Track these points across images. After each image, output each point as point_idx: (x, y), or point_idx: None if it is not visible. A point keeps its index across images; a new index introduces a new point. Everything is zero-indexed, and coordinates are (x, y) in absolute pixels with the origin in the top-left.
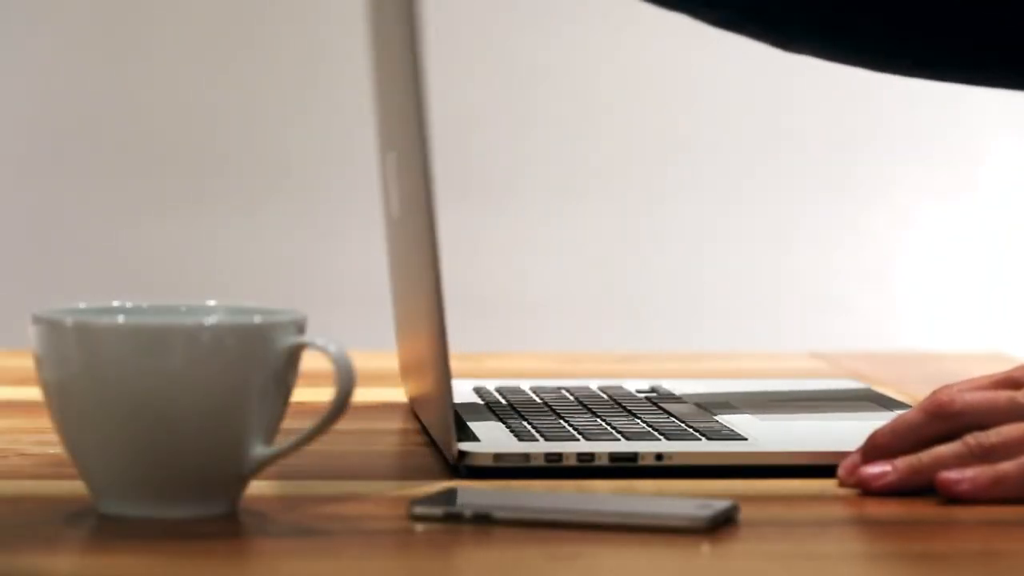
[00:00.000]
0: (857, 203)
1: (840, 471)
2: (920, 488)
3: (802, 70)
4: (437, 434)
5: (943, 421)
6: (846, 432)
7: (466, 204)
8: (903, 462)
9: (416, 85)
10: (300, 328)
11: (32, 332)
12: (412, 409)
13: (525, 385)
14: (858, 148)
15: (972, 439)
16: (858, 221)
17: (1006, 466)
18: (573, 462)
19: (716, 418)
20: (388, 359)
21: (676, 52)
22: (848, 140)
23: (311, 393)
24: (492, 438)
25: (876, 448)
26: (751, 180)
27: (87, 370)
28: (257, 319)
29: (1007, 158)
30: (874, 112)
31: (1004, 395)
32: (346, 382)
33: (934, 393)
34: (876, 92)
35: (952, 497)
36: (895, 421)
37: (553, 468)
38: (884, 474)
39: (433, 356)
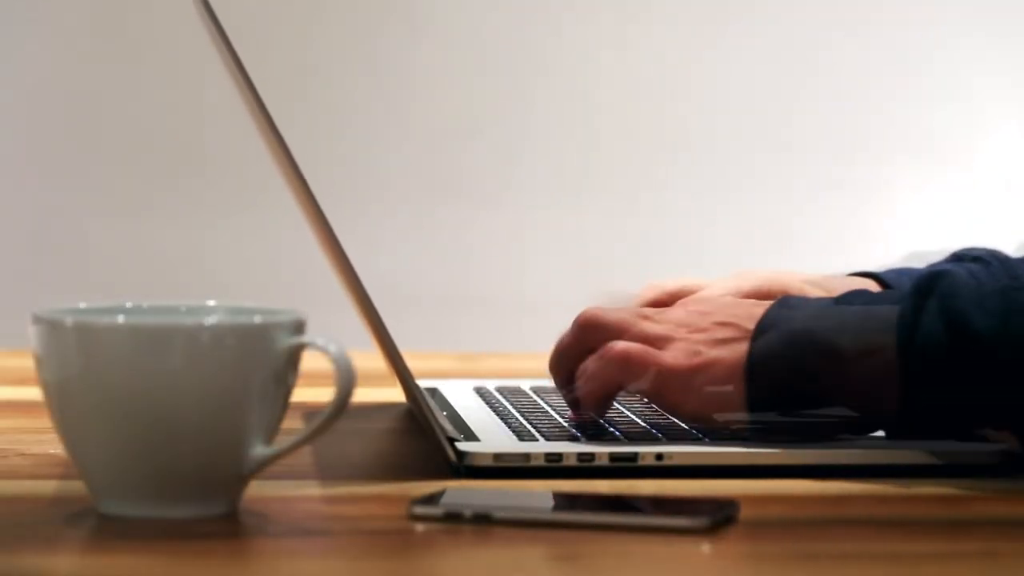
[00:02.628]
0: (856, 202)
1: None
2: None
3: (800, 69)
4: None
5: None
6: (844, 432)
7: (466, 204)
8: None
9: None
10: (300, 328)
11: (32, 332)
12: (411, 409)
13: (525, 385)
14: (857, 148)
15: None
16: (857, 220)
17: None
18: (573, 462)
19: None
20: None
21: (674, 51)
22: (847, 140)
23: (311, 393)
24: (492, 438)
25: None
26: (750, 178)
27: (87, 370)
28: (257, 319)
29: (1007, 158)
30: (874, 112)
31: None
32: (346, 382)
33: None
34: (875, 92)
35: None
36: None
37: (553, 468)
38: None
39: (390, 356)
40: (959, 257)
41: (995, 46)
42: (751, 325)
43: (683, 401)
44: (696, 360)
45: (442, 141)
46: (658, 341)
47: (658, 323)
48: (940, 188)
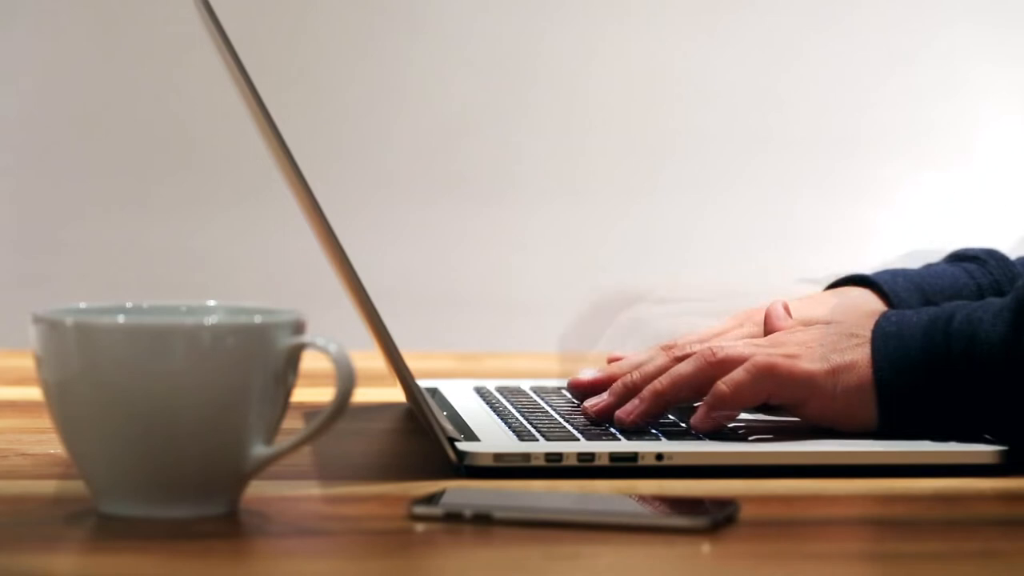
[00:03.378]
0: (854, 199)
1: (588, 407)
2: (664, 409)
3: (797, 67)
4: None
5: (684, 358)
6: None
7: (465, 203)
8: (647, 390)
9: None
10: (300, 328)
11: (32, 332)
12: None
13: (525, 385)
14: (856, 145)
15: (708, 351)
16: (856, 218)
17: (721, 387)
18: (573, 462)
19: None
20: None
21: (670, 49)
22: (845, 137)
23: (311, 393)
24: (492, 438)
25: (628, 390)
26: (747, 177)
27: (87, 370)
28: (257, 319)
29: (1005, 154)
30: (871, 109)
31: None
32: (346, 382)
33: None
34: (872, 89)
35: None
36: (645, 366)
37: (553, 468)
38: (635, 407)
39: (390, 356)
40: (957, 257)
41: (992, 41)
42: (867, 332)
43: (828, 405)
44: (836, 363)
45: (443, 140)
46: (789, 356)
47: (778, 345)
48: (938, 185)
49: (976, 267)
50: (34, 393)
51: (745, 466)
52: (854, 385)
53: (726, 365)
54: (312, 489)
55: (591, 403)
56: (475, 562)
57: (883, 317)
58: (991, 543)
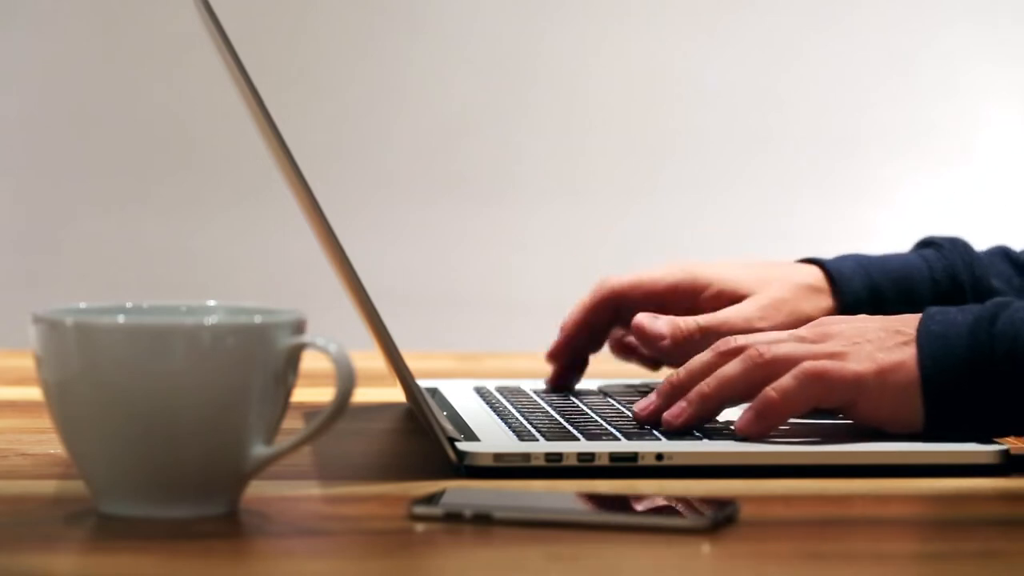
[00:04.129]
0: (854, 198)
1: (638, 412)
2: (713, 414)
3: (797, 68)
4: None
5: (729, 355)
6: (845, 431)
7: (465, 203)
8: (694, 392)
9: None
10: (300, 328)
11: (32, 332)
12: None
13: (525, 385)
14: (855, 144)
15: (755, 352)
16: (855, 216)
17: (770, 391)
18: (573, 462)
19: (716, 417)
20: None
21: (669, 49)
22: (844, 136)
23: (311, 393)
24: (492, 438)
25: (675, 389)
26: (746, 177)
27: (87, 370)
28: (257, 319)
29: (1004, 152)
30: (870, 108)
31: (784, 333)
32: (346, 382)
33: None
34: (871, 88)
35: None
36: (690, 363)
37: (553, 468)
38: (682, 411)
39: (390, 356)
40: (921, 244)
41: (992, 41)
42: (912, 330)
43: (876, 406)
44: (883, 362)
45: (443, 140)
46: (835, 357)
47: (824, 340)
48: (938, 185)
49: (932, 251)
50: (34, 393)
51: (745, 466)
52: (901, 385)
53: (775, 367)
54: (312, 489)
55: (640, 406)
56: (475, 562)
57: (927, 315)
58: (991, 543)
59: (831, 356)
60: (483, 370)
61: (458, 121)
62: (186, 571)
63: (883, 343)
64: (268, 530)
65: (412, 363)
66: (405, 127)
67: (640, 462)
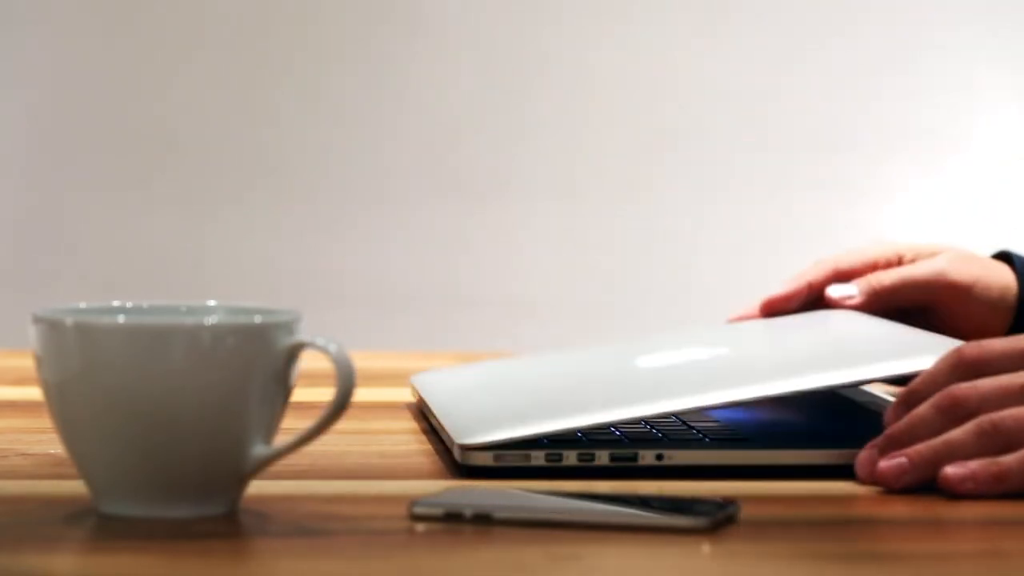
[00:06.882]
0: (853, 197)
1: (858, 469)
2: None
3: (795, 65)
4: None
5: (958, 418)
6: (845, 431)
7: (465, 203)
8: (916, 454)
9: None
10: (300, 328)
11: (32, 332)
12: (420, 409)
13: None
14: (855, 143)
15: (987, 423)
16: (857, 219)
17: (1008, 460)
18: (573, 462)
19: (716, 418)
20: (388, 359)
21: (668, 49)
22: (843, 135)
23: (311, 393)
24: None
25: (893, 443)
26: (746, 175)
27: (87, 370)
28: (257, 319)
29: (1003, 151)
30: (870, 106)
31: (1019, 381)
32: (346, 382)
33: (953, 368)
34: (870, 86)
35: (957, 494)
36: (912, 417)
37: (553, 468)
38: (902, 472)
39: None
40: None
41: (992, 41)
42: None
43: None
44: None
45: (443, 141)
46: None
47: None
48: (938, 185)
49: None
50: (34, 393)
51: (745, 466)
52: None
53: (1010, 439)
54: (312, 489)
55: (862, 461)
56: (475, 562)
57: None
58: (991, 543)
59: None
60: None
61: (458, 121)
62: (186, 571)
63: None
64: (268, 530)
65: (412, 363)
66: (405, 127)
67: (640, 462)
